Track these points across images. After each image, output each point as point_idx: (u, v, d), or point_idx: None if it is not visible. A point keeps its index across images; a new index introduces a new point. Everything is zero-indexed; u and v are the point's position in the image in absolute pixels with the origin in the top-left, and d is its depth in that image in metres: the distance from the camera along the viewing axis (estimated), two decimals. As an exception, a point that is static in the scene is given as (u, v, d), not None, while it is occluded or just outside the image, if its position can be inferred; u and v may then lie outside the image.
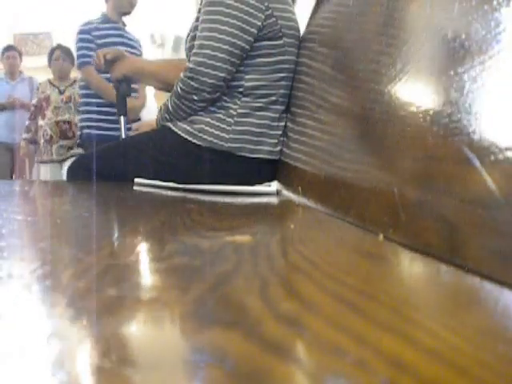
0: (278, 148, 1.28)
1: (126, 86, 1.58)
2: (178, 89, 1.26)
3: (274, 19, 1.25)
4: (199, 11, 1.30)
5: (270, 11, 1.24)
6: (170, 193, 1.12)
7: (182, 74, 1.25)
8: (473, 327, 0.24)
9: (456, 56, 0.44)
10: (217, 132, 1.25)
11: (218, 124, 1.25)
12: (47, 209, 0.85)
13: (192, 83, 1.22)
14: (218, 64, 1.21)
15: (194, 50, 1.23)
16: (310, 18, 1.32)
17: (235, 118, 1.26)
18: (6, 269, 0.34)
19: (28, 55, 4.44)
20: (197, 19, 1.30)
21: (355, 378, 0.18)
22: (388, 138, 0.57)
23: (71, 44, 3.65)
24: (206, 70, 1.21)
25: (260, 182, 1.23)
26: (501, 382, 0.18)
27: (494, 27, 0.38)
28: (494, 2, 0.39)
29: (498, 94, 0.37)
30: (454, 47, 0.44)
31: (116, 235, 0.55)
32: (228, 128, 1.25)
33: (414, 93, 0.54)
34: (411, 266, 0.42)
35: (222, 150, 1.24)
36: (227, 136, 1.24)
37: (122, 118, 1.62)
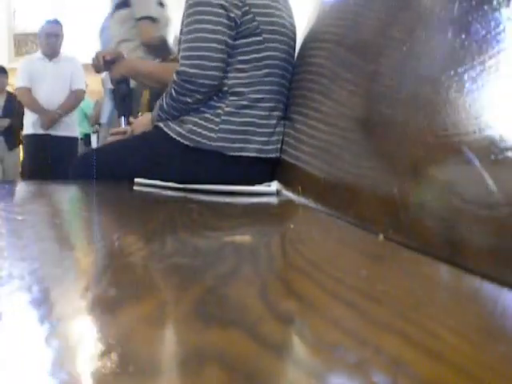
0: (270, 146, 1.28)
1: (125, 87, 1.58)
2: (173, 91, 1.27)
3: (251, 15, 1.25)
4: (184, 15, 1.31)
5: (247, 7, 1.24)
6: (169, 193, 1.12)
7: (175, 77, 1.26)
8: (473, 327, 0.24)
9: (456, 56, 0.44)
10: (204, 132, 1.26)
11: (205, 124, 1.26)
12: (47, 209, 0.85)
13: (188, 86, 1.23)
14: (211, 64, 1.22)
15: (183, 53, 1.25)
16: (318, 18, 1.32)
17: (222, 117, 1.26)
18: (7, 269, 0.34)
19: (28, 55, 4.30)
20: (182, 22, 1.31)
21: (355, 378, 0.18)
22: (388, 138, 0.57)
23: (71, 43, 3.65)
24: (201, 72, 1.22)
25: (251, 182, 1.23)
26: (501, 382, 0.18)
27: (494, 27, 0.38)
28: (494, 2, 0.39)
29: (498, 94, 0.37)
30: (455, 47, 0.44)
31: (116, 235, 0.55)
32: (215, 127, 1.25)
33: (414, 93, 0.54)
34: (411, 266, 0.42)
35: (210, 149, 1.25)
36: (215, 135, 1.25)
37: (122, 118, 1.62)
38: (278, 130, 1.29)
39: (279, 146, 1.29)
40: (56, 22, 3.49)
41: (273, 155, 1.28)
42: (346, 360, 0.19)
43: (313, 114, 1.00)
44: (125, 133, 1.49)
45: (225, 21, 1.22)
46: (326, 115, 0.89)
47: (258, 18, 1.26)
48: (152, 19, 2.07)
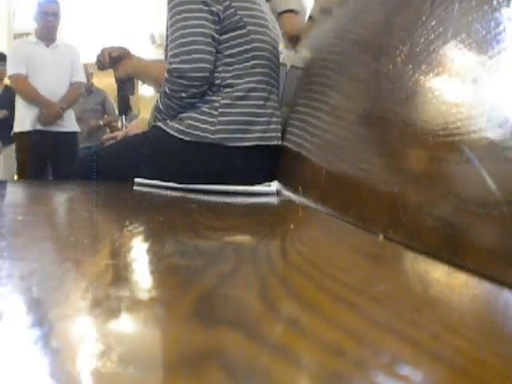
0: (269, 134, 1.30)
1: (129, 86, 1.58)
2: (166, 89, 1.29)
3: (232, 10, 1.28)
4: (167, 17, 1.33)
5: (227, 2, 1.27)
6: (169, 193, 1.12)
7: (167, 75, 1.27)
8: (473, 327, 0.24)
9: (456, 56, 0.44)
10: (203, 125, 1.27)
11: (203, 118, 1.28)
12: (47, 209, 0.85)
13: (181, 81, 1.25)
14: (199, 56, 1.24)
15: (172, 52, 1.26)
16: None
17: (219, 110, 1.28)
18: (7, 269, 0.34)
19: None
20: (167, 28, 1.33)
21: (355, 378, 0.18)
22: (388, 138, 0.57)
23: (70, 43, 3.63)
24: (192, 66, 1.24)
25: (254, 172, 1.25)
26: (501, 382, 0.18)
27: (494, 27, 0.38)
28: (494, 2, 0.39)
29: (498, 94, 0.37)
30: (455, 47, 0.44)
31: (116, 235, 0.55)
32: (213, 120, 1.27)
33: (414, 93, 0.54)
34: (411, 266, 0.42)
35: (210, 142, 1.26)
36: (213, 128, 1.27)
37: (122, 117, 1.62)
38: (274, 119, 1.32)
39: (279, 134, 1.31)
40: (54, 1, 3.10)
41: (274, 142, 1.30)
42: (346, 360, 0.19)
43: (318, 106, 1.00)
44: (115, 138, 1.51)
45: (208, 16, 1.25)
46: (327, 114, 0.89)
47: (239, 12, 1.29)
48: (294, 11, 2.05)
